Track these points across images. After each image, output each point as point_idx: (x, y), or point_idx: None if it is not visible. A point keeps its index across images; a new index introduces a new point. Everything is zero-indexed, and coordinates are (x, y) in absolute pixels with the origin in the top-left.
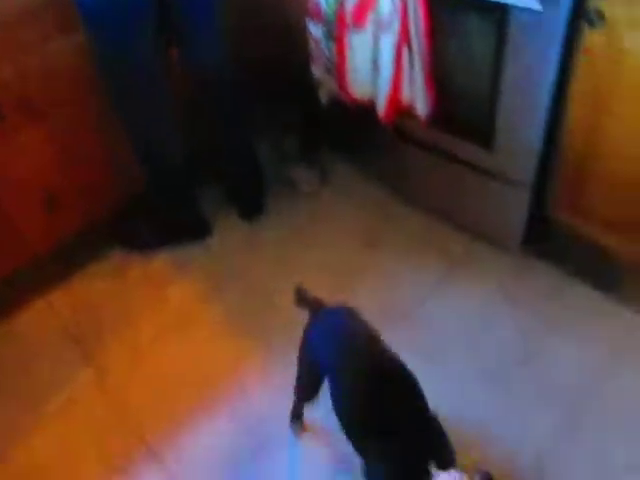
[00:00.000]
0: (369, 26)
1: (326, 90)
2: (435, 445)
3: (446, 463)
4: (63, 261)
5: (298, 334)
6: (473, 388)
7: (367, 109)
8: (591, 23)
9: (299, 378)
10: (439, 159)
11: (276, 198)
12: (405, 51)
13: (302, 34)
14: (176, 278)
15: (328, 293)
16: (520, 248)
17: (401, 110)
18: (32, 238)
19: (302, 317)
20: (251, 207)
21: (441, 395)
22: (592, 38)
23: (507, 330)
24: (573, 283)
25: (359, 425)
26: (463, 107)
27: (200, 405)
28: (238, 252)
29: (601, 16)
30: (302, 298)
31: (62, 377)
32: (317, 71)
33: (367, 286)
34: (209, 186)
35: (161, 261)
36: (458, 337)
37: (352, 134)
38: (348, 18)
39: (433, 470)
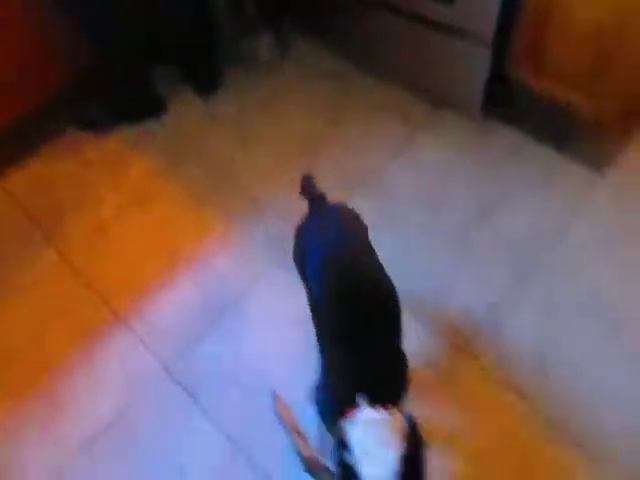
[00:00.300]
0: None
1: None
2: (390, 376)
3: (391, 396)
4: (14, 145)
5: (257, 204)
6: (433, 248)
7: None
8: None
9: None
10: (401, 20)
11: (235, 73)
12: None
13: None
14: (133, 156)
15: (290, 166)
16: (481, 111)
17: None
18: None
19: (261, 187)
20: (207, 81)
21: (402, 255)
22: None
23: (466, 191)
24: (531, 143)
25: (326, 326)
26: None
27: (164, 273)
28: (196, 128)
29: None
30: (307, 187)
31: (24, 259)
32: None
33: (330, 156)
34: (161, 64)
35: (116, 140)
36: (418, 198)
37: (313, 4)
38: None
39: (363, 403)
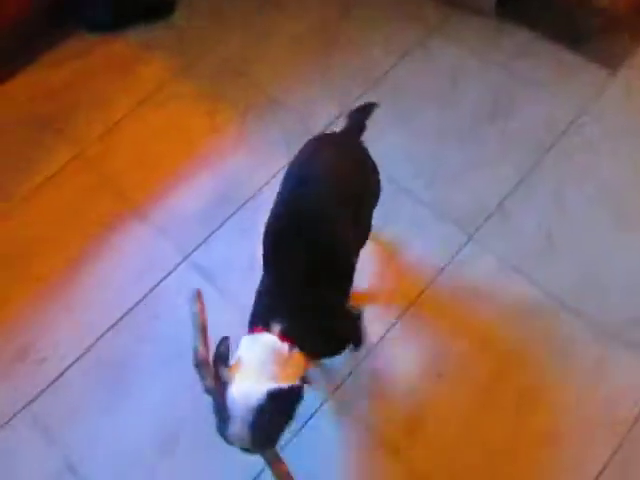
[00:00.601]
0: None
1: None
2: (311, 323)
3: (312, 345)
4: (19, 50)
5: (272, 102)
6: (444, 144)
7: None
8: None
9: None
10: None
11: None
12: None
13: None
14: (144, 58)
15: (298, 65)
16: (494, 11)
17: None
18: None
19: (275, 85)
20: None
21: (412, 151)
22: None
23: (479, 89)
24: (545, 43)
25: (268, 238)
26: None
27: (181, 168)
28: (206, 26)
29: None
30: (360, 114)
31: (38, 159)
32: None
33: (341, 55)
34: None
35: (125, 42)
36: (430, 97)
37: None
38: None
39: (274, 329)
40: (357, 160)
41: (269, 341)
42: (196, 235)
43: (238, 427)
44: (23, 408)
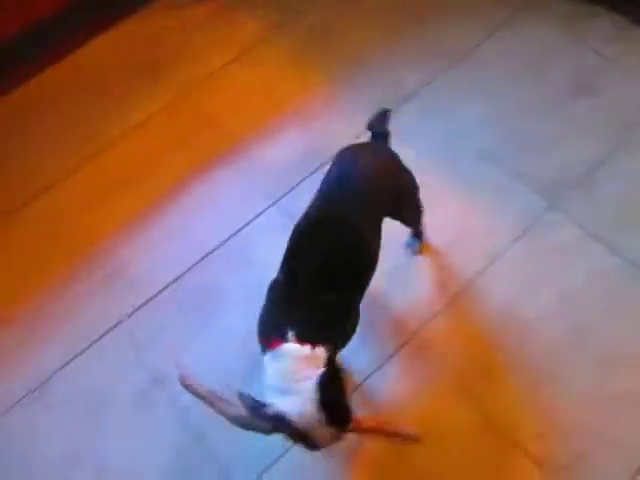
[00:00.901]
0: None
1: None
2: (327, 323)
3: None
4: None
5: (361, 65)
6: (530, 116)
7: None
8: None
9: None
10: None
11: None
12: None
13: None
14: (241, 14)
15: (390, 32)
16: None
17: None
18: None
19: (369, 46)
20: None
21: (496, 124)
22: None
23: (567, 68)
24: (636, 29)
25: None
26: None
27: (271, 122)
28: None
29: None
30: (378, 122)
31: (138, 100)
32: None
33: (427, 29)
34: None
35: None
36: (518, 74)
37: None
38: None
39: (290, 337)
40: (392, 166)
41: (291, 350)
42: (285, 183)
43: (321, 433)
44: (116, 325)
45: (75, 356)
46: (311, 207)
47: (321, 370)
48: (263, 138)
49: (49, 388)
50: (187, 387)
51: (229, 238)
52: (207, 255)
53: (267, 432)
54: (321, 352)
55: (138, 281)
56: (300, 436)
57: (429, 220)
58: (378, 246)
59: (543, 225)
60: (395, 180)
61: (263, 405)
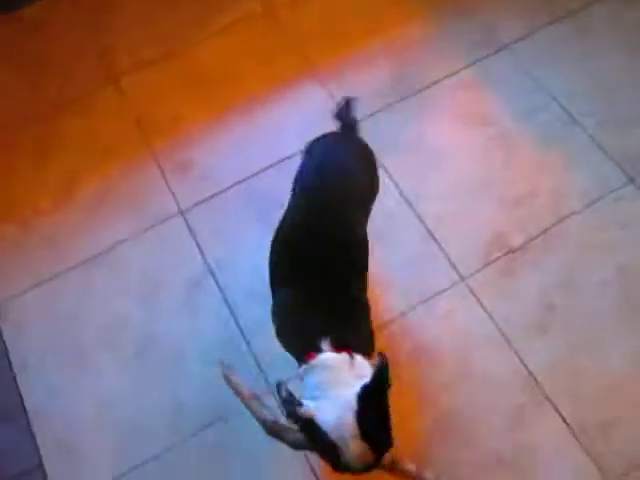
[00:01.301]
0: None
1: None
2: (347, 323)
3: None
4: None
5: (460, 9)
6: (622, 89)
7: None
8: None
9: None
10: None
11: None
12: None
13: None
14: None
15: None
16: None
17: None
18: None
19: None
20: None
21: (590, 90)
22: None
23: None
24: None
25: (283, 263)
26: None
27: (364, 46)
28: None
29: None
30: (343, 112)
31: (228, 3)
32: None
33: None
34: None
35: None
36: (616, 45)
37: None
38: None
39: (325, 347)
40: (365, 155)
41: (328, 359)
42: (368, 107)
43: (354, 449)
44: (176, 214)
45: (137, 235)
46: (295, 208)
47: (365, 379)
48: (352, 62)
49: (110, 258)
50: (229, 382)
51: (295, 155)
52: (273, 165)
53: (295, 446)
54: (361, 359)
55: (208, 176)
56: (329, 449)
57: (502, 171)
58: (366, 234)
59: (618, 196)
60: (371, 170)
61: (298, 403)
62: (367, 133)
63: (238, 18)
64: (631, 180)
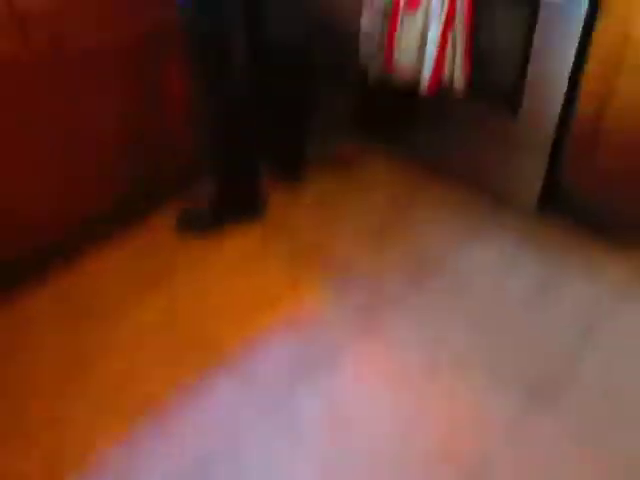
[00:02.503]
0: (420, 12)
1: (374, 69)
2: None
3: None
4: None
5: (346, 276)
6: (500, 316)
7: (402, 88)
8: (601, 11)
9: None
10: (468, 131)
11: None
12: (449, 35)
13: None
14: (229, 235)
15: (366, 249)
16: (537, 207)
17: (441, 82)
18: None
19: (348, 264)
20: (294, 172)
21: (468, 327)
22: (603, 23)
23: (526, 274)
24: (582, 235)
25: None
26: (494, 82)
27: (262, 327)
28: (283, 210)
29: (608, 6)
30: None
31: (131, 304)
32: (365, 55)
33: (400, 240)
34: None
35: None
36: (484, 280)
37: (383, 114)
38: (402, 4)
39: None
40: None
41: None
42: (274, 396)
43: None
44: None
45: None
46: None
47: None
48: (252, 346)
49: None
50: None
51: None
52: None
53: None
54: None
55: None
56: None
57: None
58: None
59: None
60: None
61: None
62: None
63: (139, 320)
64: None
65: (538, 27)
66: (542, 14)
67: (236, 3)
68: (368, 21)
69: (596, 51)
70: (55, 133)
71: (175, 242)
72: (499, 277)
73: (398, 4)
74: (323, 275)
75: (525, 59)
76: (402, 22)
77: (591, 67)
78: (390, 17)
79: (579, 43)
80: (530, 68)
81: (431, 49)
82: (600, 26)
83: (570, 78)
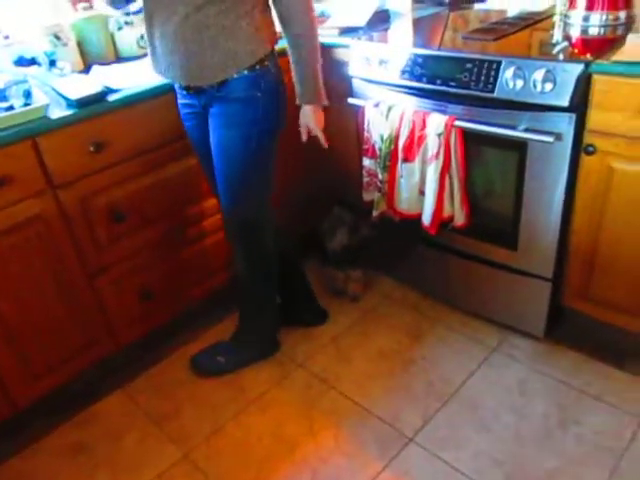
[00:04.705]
0: (417, 160)
1: (379, 210)
2: None
3: None
4: (145, 350)
5: (361, 411)
6: (523, 446)
7: (406, 226)
8: (587, 152)
9: None
10: (472, 263)
11: (328, 304)
12: (447, 177)
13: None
14: (246, 370)
15: (381, 381)
16: (544, 334)
17: (443, 222)
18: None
19: (364, 393)
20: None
21: (493, 456)
22: (589, 163)
23: (545, 401)
24: (591, 361)
25: None
26: (492, 218)
27: (282, 470)
28: (300, 346)
29: (594, 147)
30: None
31: (148, 456)
32: (368, 196)
33: (415, 369)
34: None
35: None
36: (504, 407)
37: (392, 250)
38: (400, 154)
39: None
40: None
41: None
42: None
43: None
44: None
45: None
46: None
47: None
48: None
49: None
50: None
51: None
52: None
53: None
54: None
55: None
56: None
57: None
58: None
59: None
60: None
61: None
62: None
63: (159, 473)
64: None
65: (528, 168)
66: (531, 157)
67: None
68: (369, 168)
69: (583, 187)
70: None
71: (183, 380)
72: (517, 404)
73: (396, 154)
74: (339, 410)
75: (518, 200)
76: (401, 170)
77: (580, 201)
78: (389, 166)
79: (567, 181)
80: (524, 208)
81: (430, 194)
82: (584, 162)
83: (563, 214)
